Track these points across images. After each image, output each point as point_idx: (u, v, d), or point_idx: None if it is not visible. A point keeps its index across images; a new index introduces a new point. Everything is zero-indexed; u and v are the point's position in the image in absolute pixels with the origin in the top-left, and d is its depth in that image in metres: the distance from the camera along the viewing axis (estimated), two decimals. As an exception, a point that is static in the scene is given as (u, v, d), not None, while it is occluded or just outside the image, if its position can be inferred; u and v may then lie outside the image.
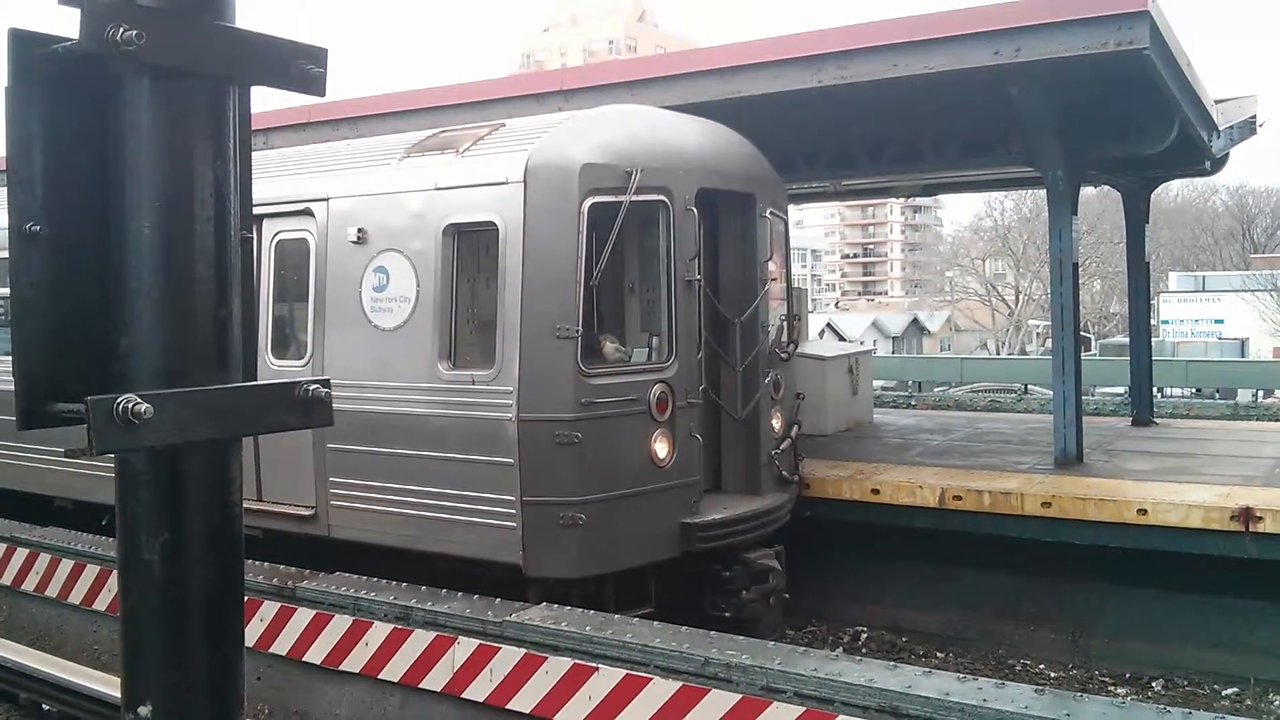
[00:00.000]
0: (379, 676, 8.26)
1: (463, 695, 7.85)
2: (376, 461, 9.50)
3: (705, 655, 7.17)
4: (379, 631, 8.33)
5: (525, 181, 8.81)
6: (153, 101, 1.77)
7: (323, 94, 1.93)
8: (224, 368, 1.92)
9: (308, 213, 10.13)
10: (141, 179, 1.78)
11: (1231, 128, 13.68)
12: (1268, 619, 9.93)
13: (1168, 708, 6.41)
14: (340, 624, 8.52)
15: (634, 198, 8.96)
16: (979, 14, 10.12)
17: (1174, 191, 62.68)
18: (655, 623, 7.78)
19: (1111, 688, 10.17)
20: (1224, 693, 9.97)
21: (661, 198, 9.28)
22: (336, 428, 9.23)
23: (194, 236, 1.83)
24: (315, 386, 1.99)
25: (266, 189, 10.27)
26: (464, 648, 7.92)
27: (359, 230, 9.67)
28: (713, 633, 7.55)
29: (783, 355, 10.84)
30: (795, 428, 10.96)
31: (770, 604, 10.03)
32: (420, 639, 8.13)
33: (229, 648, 1.90)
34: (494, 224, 8.94)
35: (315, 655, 8.57)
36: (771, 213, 10.60)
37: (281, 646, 8.69)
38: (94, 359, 1.80)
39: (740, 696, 6.84)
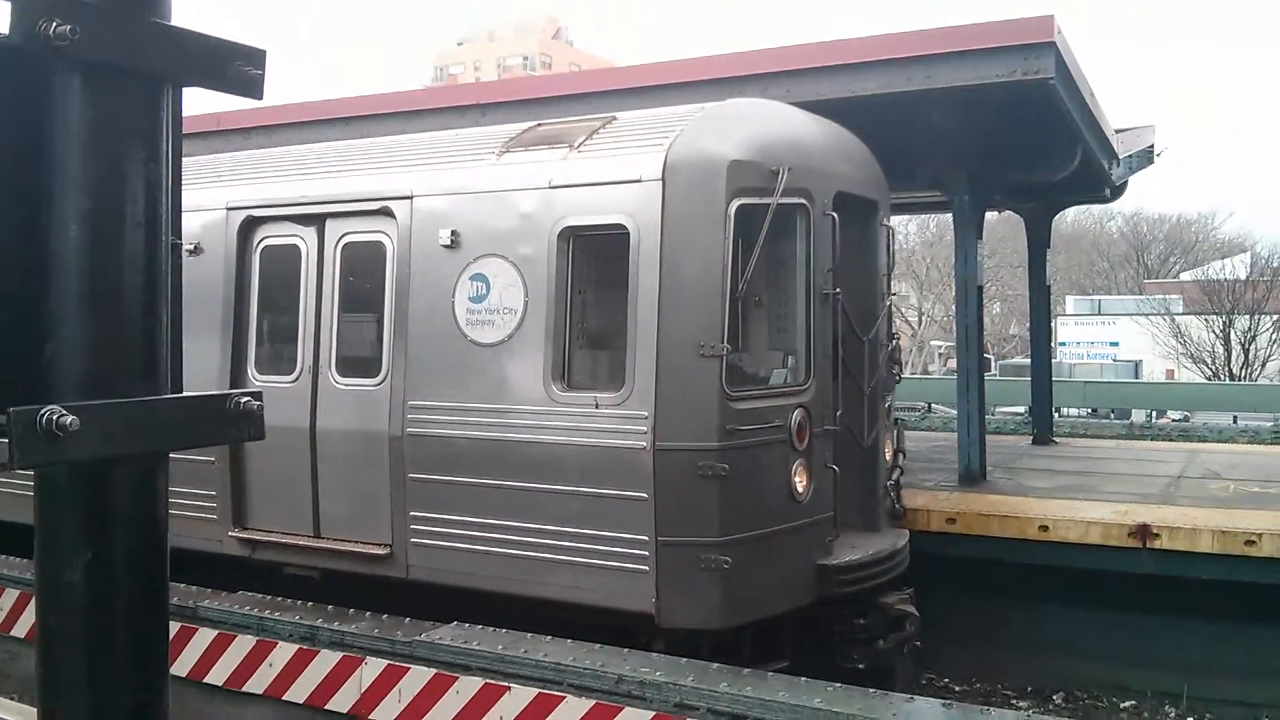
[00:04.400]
0: (283, 698, 8.07)
1: (371, 716, 7.71)
2: (471, 494, 8.49)
3: (619, 673, 7.15)
4: (283, 652, 8.15)
5: (663, 180, 7.89)
6: (84, 100, 1.70)
7: (260, 97, 1.87)
8: (152, 378, 1.84)
9: (386, 212, 9.12)
10: (70, 180, 1.70)
11: (1131, 156, 14.16)
12: (1164, 633, 10.23)
13: (1030, 712, 6.56)
14: (243, 644, 8.31)
15: (780, 200, 8.04)
16: (898, 41, 10.32)
17: (1071, 217, 64.61)
18: (569, 640, 7.72)
19: (1015, 701, 10.38)
20: (1122, 705, 10.25)
21: (802, 201, 8.40)
22: (423, 456, 8.62)
23: (124, 241, 1.75)
24: (247, 399, 1.92)
25: (329, 185, 9.63)
26: (372, 668, 7.79)
27: (452, 233, 8.65)
28: (626, 649, 7.53)
29: (897, 377, 10.16)
30: (901, 456, 10.10)
31: (904, 653, 9.08)
32: (326, 659, 7.97)
33: (154, 671, 1.82)
34: (623, 227, 8.00)
35: (217, 676, 8.35)
36: (885, 222, 9.90)
37: (181, 668, 8.43)
38: (17, 367, 1.71)
39: (653, 714, 6.84)
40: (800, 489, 8.25)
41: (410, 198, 8.96)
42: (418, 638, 7.89)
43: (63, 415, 1.61)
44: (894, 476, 9.80)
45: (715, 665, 7.22)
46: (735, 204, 7.87)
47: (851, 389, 9.03)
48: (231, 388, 9.28)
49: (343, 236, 9.41)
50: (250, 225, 9.79)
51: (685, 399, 7.80)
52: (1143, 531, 9.80)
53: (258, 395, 1.94)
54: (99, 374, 1.75)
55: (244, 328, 9.74)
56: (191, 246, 9.69)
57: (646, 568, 7.77)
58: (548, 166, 8.48)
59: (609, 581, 7.91)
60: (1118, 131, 13.74)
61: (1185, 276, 64.18)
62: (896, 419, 10.40)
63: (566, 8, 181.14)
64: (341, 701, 7.82)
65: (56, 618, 1.76)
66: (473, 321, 8.55)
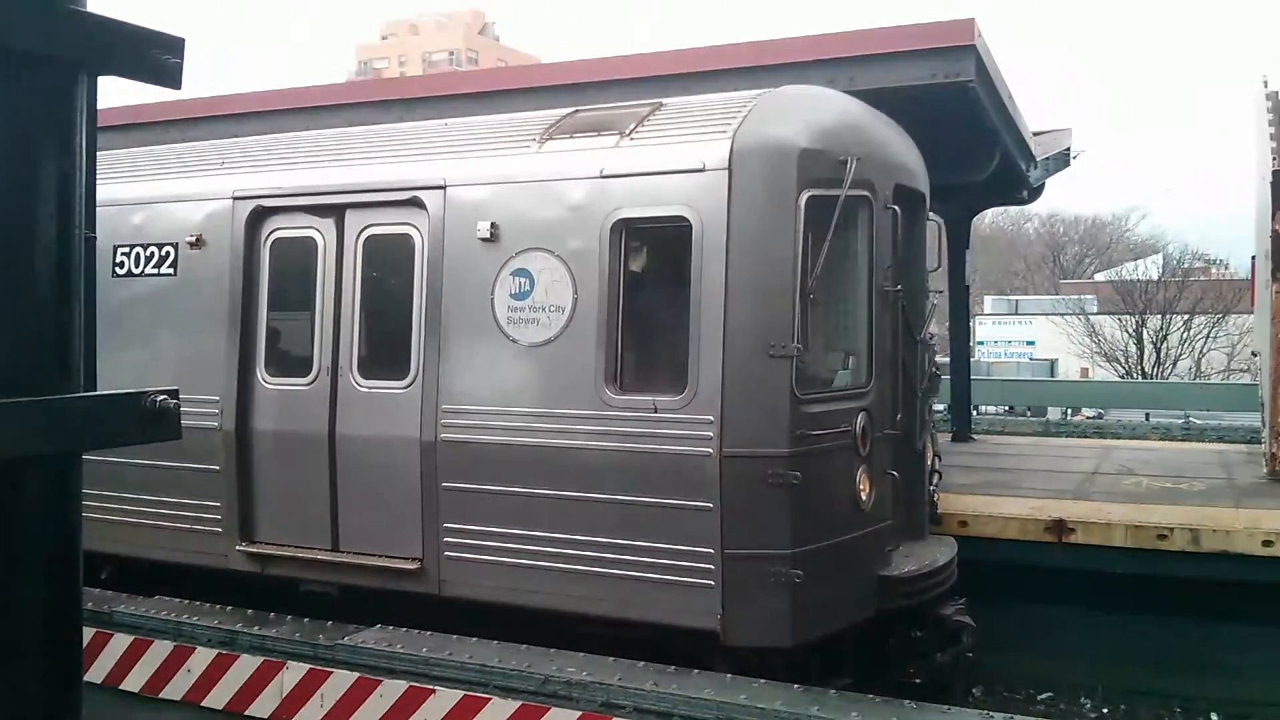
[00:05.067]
0: (202, 704, 7.90)
1: (293, 721, 7.58)
2: (513, 504, 7.92)
3: (545, 674, 7.14)
4: (202, 657, 7.99)
5: (730, 168, 7.41)
6: (-7, 87, 1.63)
7: (179, 86, 1.81)
8: (65, 376, 1.78)
9: (415, 203, 8.47)
10: (-23, 170, 1.64)
11: (1048, 159, 14.45)
12: (1079, 625, 10.45)
13: (990, 712, 6.68)
14: (160, 649, 8.13)
15: (848, 192, 7.57)
16: (817, 43, 10.39)
17: (989, 219, 65.85)
18: (495, 642, 7.67)
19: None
20: (1039, 697, 10.44)
21: (866, 193, 7.94)
22: (458, 464, 8.07)
23: (35, 234, 1.69)
24: (163, 398, 1.86)
25: (349, 174, 8.97)
26: (293, 673, 7.66)
27: (491, 225, 8.07)
28: (552, 650, 7.50)
29: (939, 377, 9.66)
30: (938, 459, 9.76)
31: (959, 665, 8.68)
32: (246, 664, 7.83)
33: (67, 676, 1.76)
34: (684, 219, 7.51)
35: (133, 683, 8.15)
36: (932, 217, 9.39)
37: (96, 674, 8.21)
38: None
39: (580, 714, 6.83)
40: (864, 497, 7.86)
41: (443, 187, 8.37)
42: (340, 641, 7.79)
43: (-30, 414, 1.55)
44: (935, 481, 9.53)
45: (642, 664, 7.22)
46: (805, 195, 7.47)
47: (907, 391, 8.65)
48: (239, 391, 8.80)
49: (365, 229, 8.77)
50: (259, 216, 9.10)
51: (754, 402, 7.35)
52: (1058, 526, 10.00)
53: (175, 394, 1.88)
54: (9, 371, 1.68)
55: (252, 326, 9.07)
56: (193, 238, 9.23)
57: (711, 582, 7.30)
58: (598, 155, 7.97)
59: (668, 597, 7.43)
60: (1036, 134, 14.01)
61: (1100, 277, 65.82)
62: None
63: (490, 3, 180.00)
64: (262, 707, 7.68)
65: (-36, 625, 1.69)
66: (515, 320, 8.01)
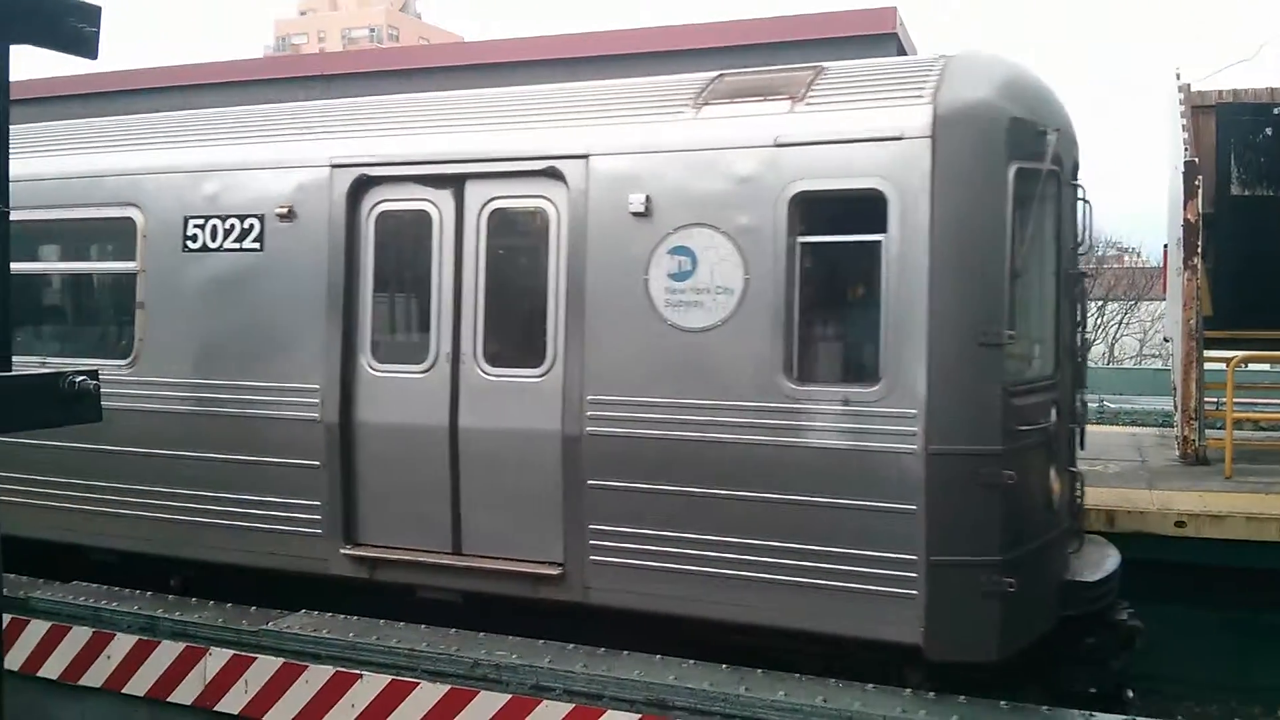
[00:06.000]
0: (123, 691, 7.77)
1: (215, 708, 7.50)
2: (673, 505, 7.21)
3: (474, 657, 7.12)
4: (122, 643, 7.85)
5: (934, 136, 6.72)
6: (-103, 55, 1.56)
7: (95, 56, 1.76)
8: (-22, 357, 1.72)
9: (552, 174, 7.69)
10: (-119, 142, 1.57)
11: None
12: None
13: (928, 693, 6.78)
14: (79, 636, 7.98)
15: (1048, 166, 7.01)
16: (743, 27, 10.39)
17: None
18: (422, 626, 7.62)
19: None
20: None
21: (1055, 168, 7.26)
22: (607, 460, 7.49)
23: (-56, 209, 1.63)
24: (83, 379, 1.81)
25: (470, 141, 8.11)
26: (216, 659, 7.58)
27: (645, 199, 7.34)
28: (481, 634, 7.47)
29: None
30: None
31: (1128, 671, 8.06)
32: (168, 650, 7.72)
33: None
34: (877, 191, 6.81)
35: (52, 670, 8.00)
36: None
37: (13, 661, 8.05)
38: None
39: (510, 697, 6.85)
40: (1055, 496, 7.33)
41: (586, 157, 7.60)
42: (264, 626, 7.69)
43: (-124, 396, 1.49)
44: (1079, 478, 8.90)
45: (571, 645, 7.23)
46: (1014, 167, 6.84)
47: (1078, 380, 8.06)
48: (342, 380, 8.07)
49: (489, 201, 7.97)
50: (362, 186, 8.24)
51: (963, 395, 6.73)
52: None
53: (94, 374, 1.83)
54: (-83, 351, 1.62)
55: (354, 309, 8.22)
56: (282, 210, 8.35)
57: (914, 591, 6.65)
58: (770, 121, 7.22)
59: (862, 608, 6.80)
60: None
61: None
62: None
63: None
64: (185, 694, 7.58)
65: None
66: (674, 303, 7.29)
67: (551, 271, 7.69)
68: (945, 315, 6.68)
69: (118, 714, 7.83)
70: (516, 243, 8.23)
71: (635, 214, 7.40)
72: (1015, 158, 6.85)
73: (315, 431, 8.15)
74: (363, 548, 8.14)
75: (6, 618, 8.07)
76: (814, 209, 7.07)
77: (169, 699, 7.64)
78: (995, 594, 6.60)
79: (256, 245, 8.47)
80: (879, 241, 6.83)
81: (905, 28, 10.21)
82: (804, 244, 7.05)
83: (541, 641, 7.31)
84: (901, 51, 10.13)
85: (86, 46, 1.73)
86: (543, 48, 11.00)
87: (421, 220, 8.15)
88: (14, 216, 9.05)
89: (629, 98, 8.03)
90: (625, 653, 7.17)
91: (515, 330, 8.14)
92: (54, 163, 9.40)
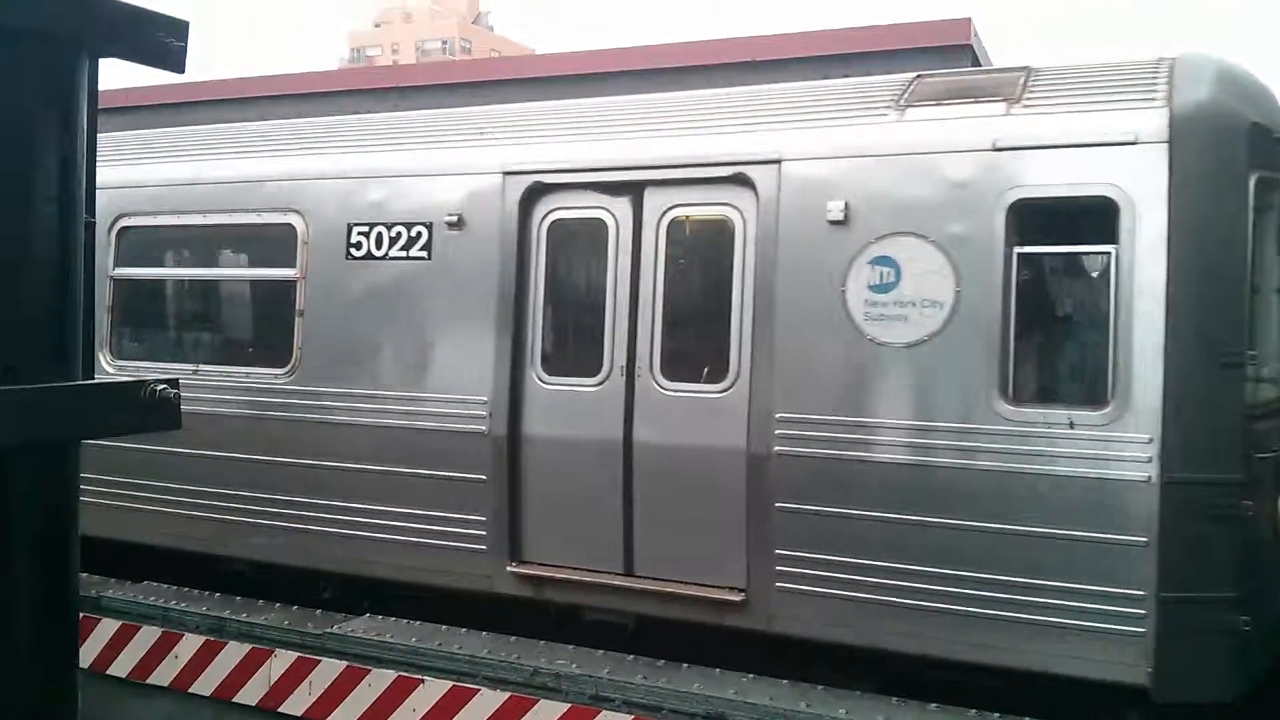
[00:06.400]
0: (190, 690, 7.88)
1: (280, 710, 7.57)
2: (869, 531, 6.81)
3: (534, 665, 7.13)
4: (190, 643, 7.96)
5: (1170, 141, 6.34)
6: (-8, 67, 1.60)
7: (182, 70, 1.78)
8: (63, 363, 1.75)
9: (739, 180, 7.35)
10: (-25, 153, 1.61)
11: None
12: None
13: (982, 711, 6.67)
14: (148, 635, 8.10)
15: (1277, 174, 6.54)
16: (815, 39, 10.37)
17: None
18: (484, 633, 7.66)
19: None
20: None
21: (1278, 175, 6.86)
22: (797, 481, 7.02)
23: (32, 219, 1.66)
24: (163, 387, 1.84)
25: (649, 147, 7.80)
26: (282, 660, 7.65)
27: (844, 206, 6.98)
28: (541, 642, 7.49)
29: None
30: None
31: None
32: (235, 651, 7.81)
33: (62, 668, 1.74)
34: (1108, 200, 6.41)
35: (121, 668, 8.13)
36: None
37: (84, 659, 8.17)
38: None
39: (569, 706, 6.83)
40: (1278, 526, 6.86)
41: (778, 162, 7.24)
42: (329, 630, 7.77)
43: (-34, 401, 1.52)
44: None
45: (631, 657, 7.21)
46: (1254, 175, 6.46)
47: None
48: (511, 391, 7.83)
49: (669, 209, 7.65)
50: (534, 194, 7.99)
51: (1203, 419, 6.30)
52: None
53: (174, 383, 1.86)
54: (4, 358, 1.65)
55: (525, 319, 7.95)
56: (452, 219, 8.09)
57: (1141, 629, 6.24)
58: (988, 123, 6.84)
59: (1081, 646, 6.37)
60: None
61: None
62: None
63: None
64: (250, 694, 7.67)
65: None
66: (875, 316, 6.90)
67: (736, 282, 7.36)
68: (1184, 333, 6.26)
69: (184, 713, 7.92)
70: (698, 252, 7.92)
71: (832, 222, 7.03)
72: (1255, 165, 6.48)
73: (482, 445, 7.87)
74: (529, 565, 7.82)
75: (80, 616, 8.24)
76: (1035, 217, 6.68)
77: (234, 699, 7.73)
78: (1230, 631, 6.22)
79: (424, 254, 8.24)
80: (1109, 252, 6.44)
81: (980, 39, 10.11)
82: (1022, 254, 6.65)
83: (601, 652, 7.30)
84: (976, 63, 10.04)
85: (174, 61, 1.75)
86: (625, 59, 11.01)
87: (596, 229, 7.90)
88: (170, 221, 8.62)
89: (822, 100, 7.67)
90: (685, 665, 7.14)
91: (695, 343, 7.80)
92: (206, 167, 9.24)
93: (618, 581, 7.56)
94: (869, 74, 9.38)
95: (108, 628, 8.23)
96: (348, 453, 8.29)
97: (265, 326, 9.40)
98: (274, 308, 9.05)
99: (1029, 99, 6.91)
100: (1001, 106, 6.91)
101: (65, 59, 1.66)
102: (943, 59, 10.00)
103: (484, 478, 7.87)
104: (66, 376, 1.75)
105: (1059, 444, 6.43)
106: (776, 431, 7.07)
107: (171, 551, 9.00)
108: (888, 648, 6.85)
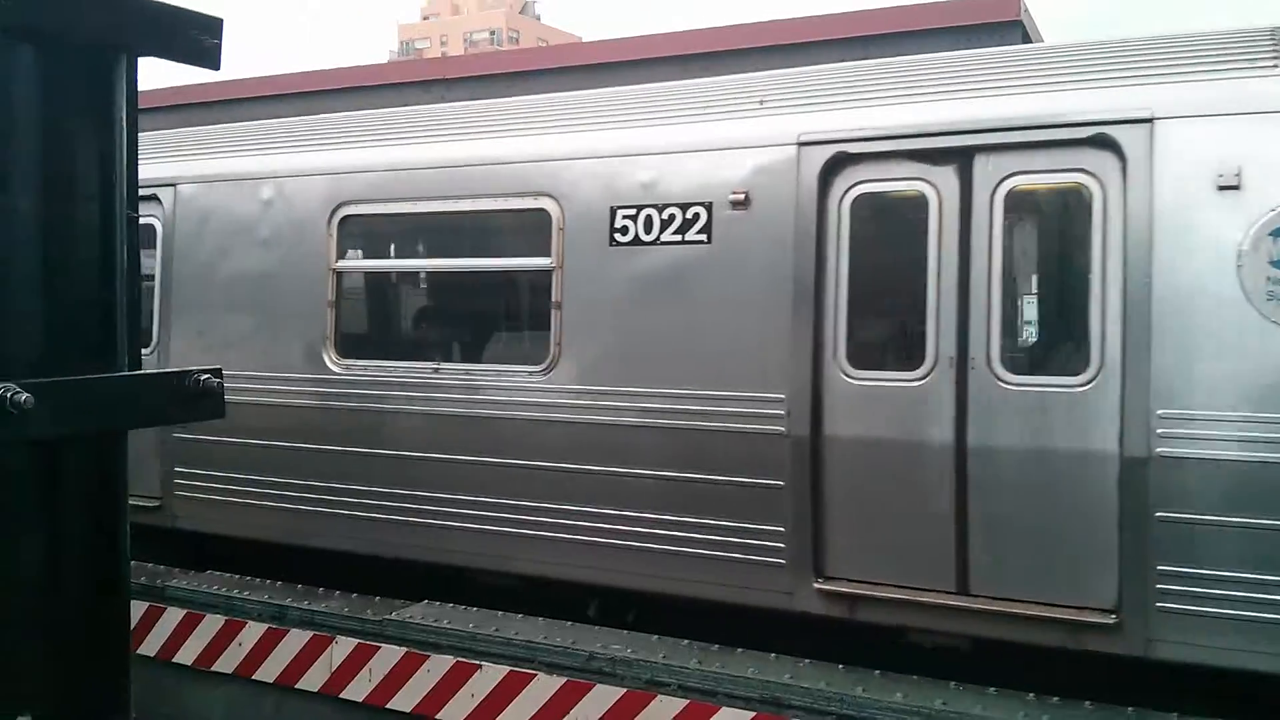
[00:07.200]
0: (253, 677, 8.00)
1: (340, 695, 7.66)
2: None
3: (590, 650, 7.14)
4: (253, 631, 8.07)
5: None
6: (27, 67, 1.64)
7: (217, 67, 1.82)
8: (108, 355, 1.80)
9: (1099, 142, 6.48)
10: (18, 152, 1.65)
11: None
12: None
13: (1031, 694, 6.59)
14: (212, 624, 8.22)
15: None
16: (861, 18, 10.30)
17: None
18: (540, 619, 7.69)
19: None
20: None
21: None
22: (1185, 488, 6.15)
23: (76, 215, 1.71)
24: (207, 376, 1.88)
25: (979, 107, 6.93)
26: (342, 647, 7.72)
27: (1238, 170, 6.12)
28: (598, 628, 7.51)
29: None
30: None
31: None
32: (296, 638, 7.90)
33: (115, 652, 1.79)
34: None
35: (185, 656, 8.25)
36: None
37: (150, 648, 8.35)
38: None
39: (625, 690, 6.84)
40: None
41: (1150, 120, 6.36)
42: (388, 616, 7.83)
43: (18, 393, 1.57)
44: None
45: (686, 641, 7.20)
46: None
47: None
48: (813, 384, 7.08)
49: (1005, 179, 6.75)
50: (834, 166, 7.13)
51: None
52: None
53: (218, 372, 1.90)
54: (53, 351, 1.70)
55: (825, 308, 7.12)
56: (738, 197, 7.30)
57: None
58: None
59: None
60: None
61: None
62: None
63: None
64: (312, 680, 7.76)
65: (11, 599, 1.72)
66: (1278, 296, 6.08)
67: (1095, 260, 6.49)
68: None
69: (247, 699, 8.03)
70: (1044, 226, 7.15)
71: (1223, 188, 6.20)
72: None
73: (779, 446, 7.12)
74: (837, 582, 7.06)
75: (143, 606, 8.44)
76: None
77: (296, 685, 7.83)
78: None
79: (703, 237, 7.42)
80: None
81: (1030, 14, 9.98)
82: None
83: (655, 637, 7.29)
84: (1027, 39, 9.92)
85: (209, 58, 1.78)
86: (676, 43, 11.01)
87: (913, 203, 7.03)
88: (400, 210, 8.41)
89: (1195, 51, 6.80)
90: (739, 650, 7.12)
91: (1046, 329, 7.12)
92: (441, 150, 8.54)
93: (953, 601, 6.77)
94: (912, 51, 9.03)
95: (173, 616, 8.37)
96: (617, 457, 7.62)
97: (516, 321, 8.94)
98: (526, 300, 8.58)
99: None
100: None
101: (104, 59, 1.71)
102: (992, 36, 9.90)
103: (781, 484, 7.16)
104: (112, 368, 1.80)
105: None
106: (1157, 431, 6.23)
107: (417, 565, 8.43)
108: None
